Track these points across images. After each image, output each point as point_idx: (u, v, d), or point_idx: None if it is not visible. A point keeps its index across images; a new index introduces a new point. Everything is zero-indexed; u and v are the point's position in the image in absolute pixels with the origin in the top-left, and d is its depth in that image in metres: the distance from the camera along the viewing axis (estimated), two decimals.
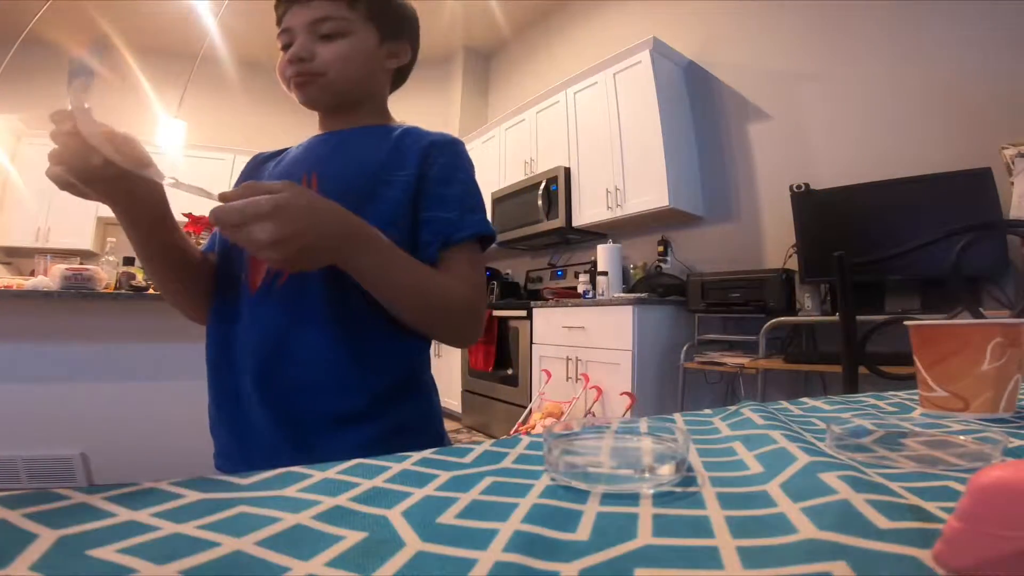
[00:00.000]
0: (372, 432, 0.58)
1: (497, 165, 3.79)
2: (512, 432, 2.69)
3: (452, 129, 4.55)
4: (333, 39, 0.63)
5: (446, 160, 0.66)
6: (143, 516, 0.23)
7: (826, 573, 0.17)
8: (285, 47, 0.65)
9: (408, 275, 0.56)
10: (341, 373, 0.58)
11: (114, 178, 0.47)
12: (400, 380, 0.61)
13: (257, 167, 0.74)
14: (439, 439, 0.66)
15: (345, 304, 0.58)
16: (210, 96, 4.76)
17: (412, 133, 0.69)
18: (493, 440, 0.39)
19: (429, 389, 0.67)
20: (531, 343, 2.89)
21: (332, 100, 0.67)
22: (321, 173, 0.64)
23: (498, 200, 3.59)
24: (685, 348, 2.42)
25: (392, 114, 0.75)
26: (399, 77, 0.75)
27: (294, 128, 5.59)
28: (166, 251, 0.60)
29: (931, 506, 0.22)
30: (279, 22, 0.65)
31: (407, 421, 0.61)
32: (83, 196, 0.49)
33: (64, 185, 0.48)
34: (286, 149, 0.75)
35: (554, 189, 3.15)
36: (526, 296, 3.67)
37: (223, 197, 0.45)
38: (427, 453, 0.35)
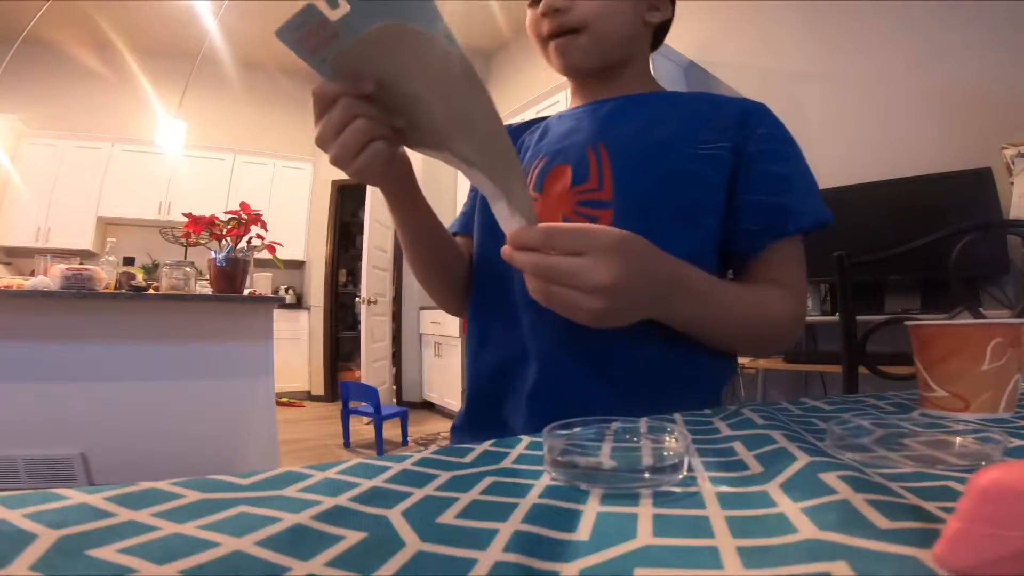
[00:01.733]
0: None
1: None
2: None
3: None
4: None
5: (768, 131, 0.54)
6: (143, 516, 0.23)
7: (826, 573, 0.17)
8: (534, 2, 0.55)
9: (730, 317, 0.48)
10: (630, 401, 0.48)
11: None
12: (697, 404, 0.49)
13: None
14: None
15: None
16: (210, 96, 4.76)
17: (710, 98, 0.57)
18: (493, 440, 0.39)
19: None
20: None
21: (597, 63, 0.56)
22: (610, 145, 0.53)
23: None
24: None
25: None
26: (657, 38, 0.63)
27: (294, 129, 5.59)
28: (426, 231, 0.55)
29: (931, 506, 0.22)
30: None
31: None
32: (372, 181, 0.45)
33: (378, 165, 0.40)
34: (539, 120, 0.64)
35: None
36: None
37: (550, 231, 0.37)
38: (427, 453, 0.35)
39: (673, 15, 0.62)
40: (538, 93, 3.43)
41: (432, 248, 0.57)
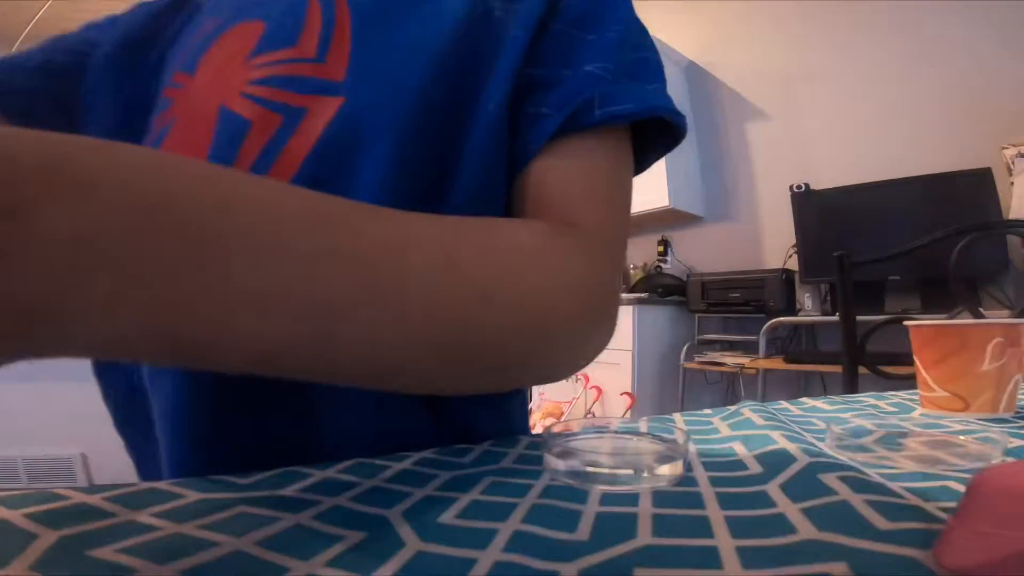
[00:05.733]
0: None
1: None
2: None
3: None
4: None
5: None
6: (143, 516, 0.23)
7: (826, 573, 0.17)
8: None
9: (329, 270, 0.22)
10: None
11: None
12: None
13: None
14: None
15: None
16: None
17: None
18: (493, 440, 0.39)
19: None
20: None
21: None
22: None
23: None
24: (685, 348, 2.42)
25: None
26: None
27: None
28: None
29: (931, 506, 0.22)
30: None
31: None
32: None
33: None
34: None
35: None
36: None
37: None
38: (427, 453, 0.35)
39: None
40: None
41: None
